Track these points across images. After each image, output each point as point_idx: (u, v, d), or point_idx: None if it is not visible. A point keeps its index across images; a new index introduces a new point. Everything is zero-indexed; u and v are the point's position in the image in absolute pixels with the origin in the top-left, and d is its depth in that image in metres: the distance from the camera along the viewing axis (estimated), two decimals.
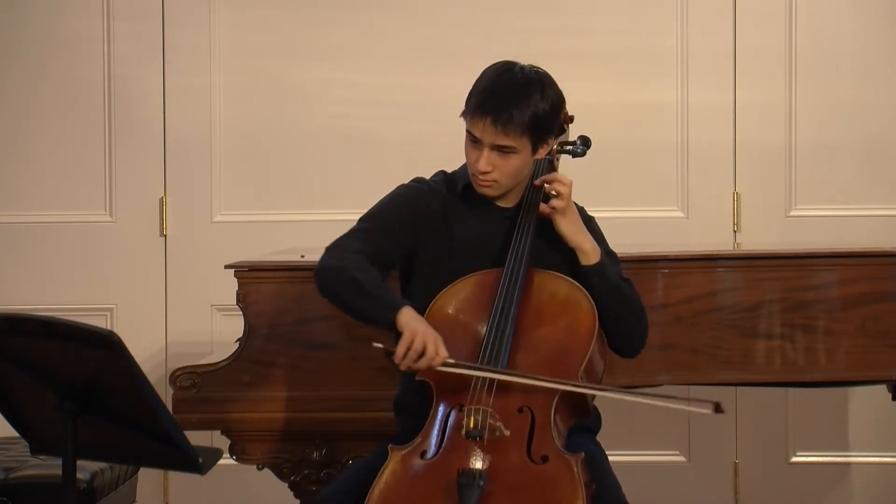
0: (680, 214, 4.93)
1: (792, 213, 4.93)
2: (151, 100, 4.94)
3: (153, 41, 4.94)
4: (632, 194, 4.91)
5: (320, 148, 4.95)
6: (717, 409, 2.75)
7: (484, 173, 2.99)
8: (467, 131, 3.00)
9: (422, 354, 2.81)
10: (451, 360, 2.82)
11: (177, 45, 4.94)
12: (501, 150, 2.97)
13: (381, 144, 4.91)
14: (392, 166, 4.75)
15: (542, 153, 3.04)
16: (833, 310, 3.65)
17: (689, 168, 4.91)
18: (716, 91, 4.91)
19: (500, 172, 2.99)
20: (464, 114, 3.00)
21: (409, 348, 2.81)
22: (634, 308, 3.08)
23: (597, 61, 4.90)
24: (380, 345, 2.85)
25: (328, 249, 3.02)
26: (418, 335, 2.81)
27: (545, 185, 3.02)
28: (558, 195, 2.99)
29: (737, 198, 4.91)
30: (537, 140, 2.99)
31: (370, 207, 3.11)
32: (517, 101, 2.95)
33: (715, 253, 3.75)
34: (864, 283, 3.68)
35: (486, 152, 2.97)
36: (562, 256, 3.04)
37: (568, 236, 3.00)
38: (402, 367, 2.83)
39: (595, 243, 3.02)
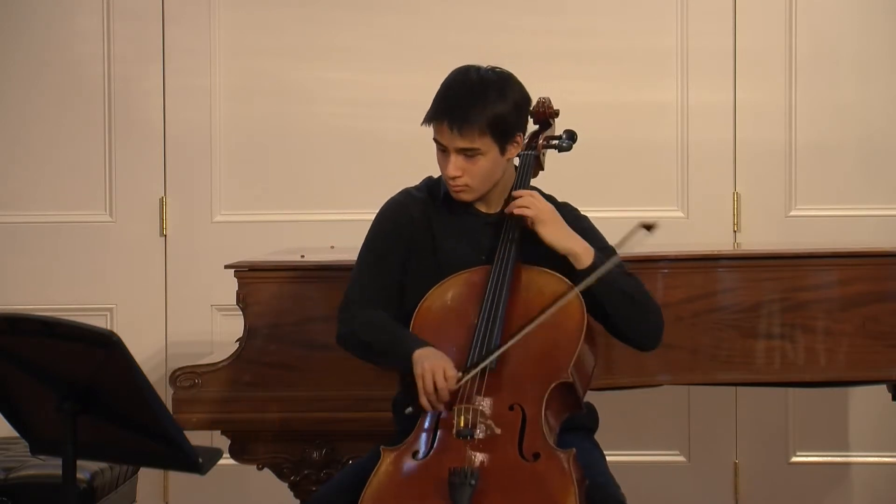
0: (680, 214, 4.93)
1: (792, 213, 4.92)
2: (151, 100, 4.94)
3: (153, 41, 4.94)
4: (632, 194, 4.90)
5: (320, 148, 4.94)
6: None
7: (454, 178, 3.00)
8: (434, 139, 3.02)
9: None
10: (459, 374, 2.84)
11: (177, 45, 4.94)
12: (466, 153, 2.98)
13: (381, 144, 4.90)
14: (392, 166, 4.75)
15: (511, 152, 3.04)
16: (833, 310, 3.65)
17: (689, 168, 4.91)
18: (716, 91, 4.90)
19: (470, 176, 3.00)
20: (425, 121, 3.02)
21: (426, 392, 2.83)
22: (641, 301, 3.02)
23: (597, 61, 4.90)
24: (410, 409, 2.87)
25: (340, 312, 3.06)
26: (427, 376, 2.82)
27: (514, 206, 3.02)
28: (527, 206, 2.98)
29: (737, 198, 4.91)
30: (501, 140, 2.99)
31: (364, 240, 3.13)
32: (472, 103, 2.96)
33: (715, 253, 3.75)
34: (863, 283, 3.67)
35: (452, 157, 2.99)
36: (553, 264, 2.99)
37: (555, 244, 2.97)
38: (430, 410, 2.85)
39: (586, 244, 2.98)
